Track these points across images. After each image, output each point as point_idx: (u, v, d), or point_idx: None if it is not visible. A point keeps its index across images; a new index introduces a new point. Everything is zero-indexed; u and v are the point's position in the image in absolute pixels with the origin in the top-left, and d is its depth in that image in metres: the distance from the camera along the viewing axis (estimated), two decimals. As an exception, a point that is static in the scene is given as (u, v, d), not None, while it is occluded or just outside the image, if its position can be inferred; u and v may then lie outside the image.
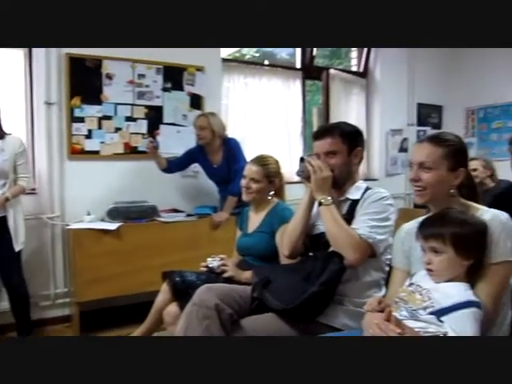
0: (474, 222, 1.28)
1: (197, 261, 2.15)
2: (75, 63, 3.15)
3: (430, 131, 4.94)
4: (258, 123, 4.03)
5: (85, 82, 3.20)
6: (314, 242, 1.78)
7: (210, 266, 2.08)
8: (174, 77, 3.52)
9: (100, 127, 3.27)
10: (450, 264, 1.26)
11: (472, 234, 1.26)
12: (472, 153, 4.79)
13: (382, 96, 4.64)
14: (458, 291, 1.22)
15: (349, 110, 4.47)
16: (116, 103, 3.31)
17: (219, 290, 1.64)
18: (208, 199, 3.51)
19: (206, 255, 2.14)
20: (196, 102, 3.61)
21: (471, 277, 1.29)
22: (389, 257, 1.66)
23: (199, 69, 3.60)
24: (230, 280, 2.00)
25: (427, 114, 5.06)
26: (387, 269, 1.67)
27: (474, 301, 1.19)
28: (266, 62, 4.21)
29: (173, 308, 2.01)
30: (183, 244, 3.05)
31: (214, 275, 2.06)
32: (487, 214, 1.34)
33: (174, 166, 3.32)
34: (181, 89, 3.55)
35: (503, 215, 1.32)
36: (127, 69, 3.34)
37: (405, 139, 4.78)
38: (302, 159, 1.77)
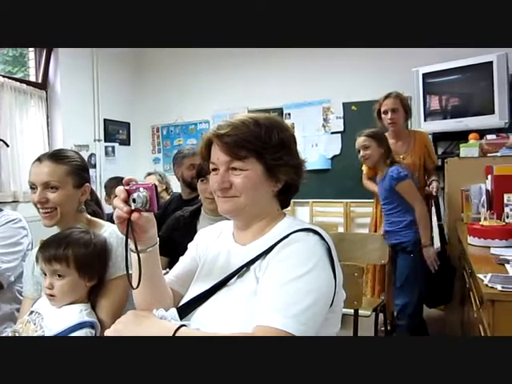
0: (96, 241, 1.28)
1: None
2: None
3: (118, 147, 5.03)
4: None
5: None
6: None
7: None
8: None
9: None
10: (73, 287, 1.22)
11: (94, 253, 1.25)
12: (159, 168, 5.14)
13: (65, 110, 4.42)
14: (73, 314, 1.19)
15: (25, 123, 4.07)
16: None
17: None
18: None
19: None
20: None
21: (93, 295, 1.28)
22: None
23: None
24: None
25: (115, 130, 5.12)
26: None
27: (85, 321, 1.18)
28: None
29: None
30: None
31: None
32: (108, 230, 1.36)
33: None
34: None
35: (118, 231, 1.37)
36: None
37: (92, 155, 4.70)
38: None
